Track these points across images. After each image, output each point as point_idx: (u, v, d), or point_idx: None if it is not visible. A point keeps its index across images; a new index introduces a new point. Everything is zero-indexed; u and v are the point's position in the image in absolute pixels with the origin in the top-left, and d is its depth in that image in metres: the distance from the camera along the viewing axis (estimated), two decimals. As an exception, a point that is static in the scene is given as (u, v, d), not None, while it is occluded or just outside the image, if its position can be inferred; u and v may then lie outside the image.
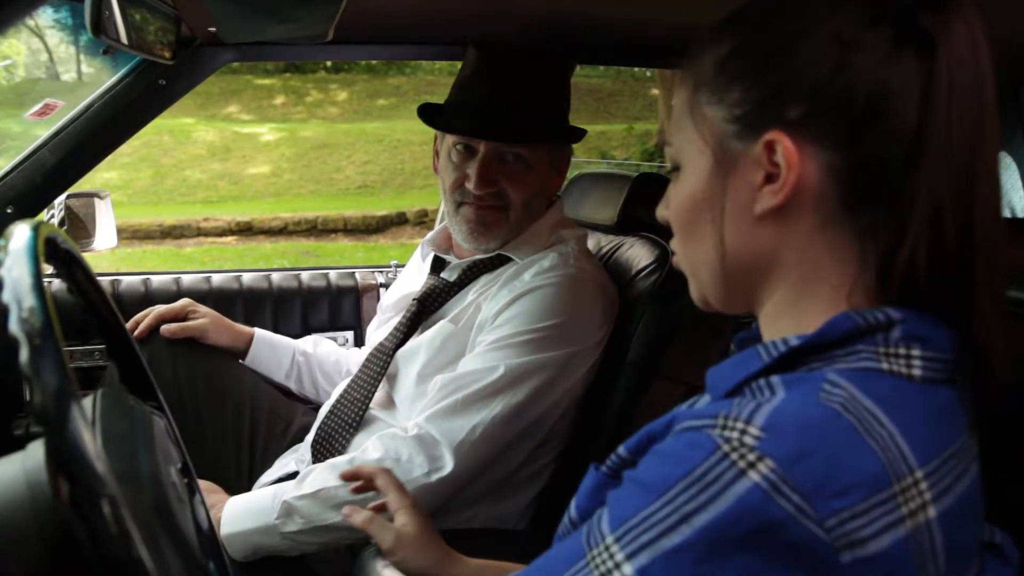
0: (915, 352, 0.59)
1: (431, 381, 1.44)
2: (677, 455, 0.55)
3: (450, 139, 1.51)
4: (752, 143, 0.63)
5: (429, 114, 1.55)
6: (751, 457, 0.52)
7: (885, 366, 0.58)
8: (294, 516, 1.31)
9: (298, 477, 1.36)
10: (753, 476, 0.52)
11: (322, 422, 1.56)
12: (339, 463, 1.34)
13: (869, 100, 0.59)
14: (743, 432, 0.53)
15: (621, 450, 0.66)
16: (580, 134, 1.57)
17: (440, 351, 1.46)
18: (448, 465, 1.31)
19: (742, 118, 0.64)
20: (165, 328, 1.67)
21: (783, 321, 0.66)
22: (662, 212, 0.74)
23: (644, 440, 0.64)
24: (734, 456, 0.52)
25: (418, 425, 1.34)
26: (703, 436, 0.54)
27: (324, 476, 1.33)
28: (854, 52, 0.60)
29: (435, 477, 1.31)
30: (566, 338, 1.39)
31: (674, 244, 0.73)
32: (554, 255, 1.47)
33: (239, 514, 1.34)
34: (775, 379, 0.59)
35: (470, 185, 1.47)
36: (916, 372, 0.59)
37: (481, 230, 1.51)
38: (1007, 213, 2.08)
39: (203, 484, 1.40)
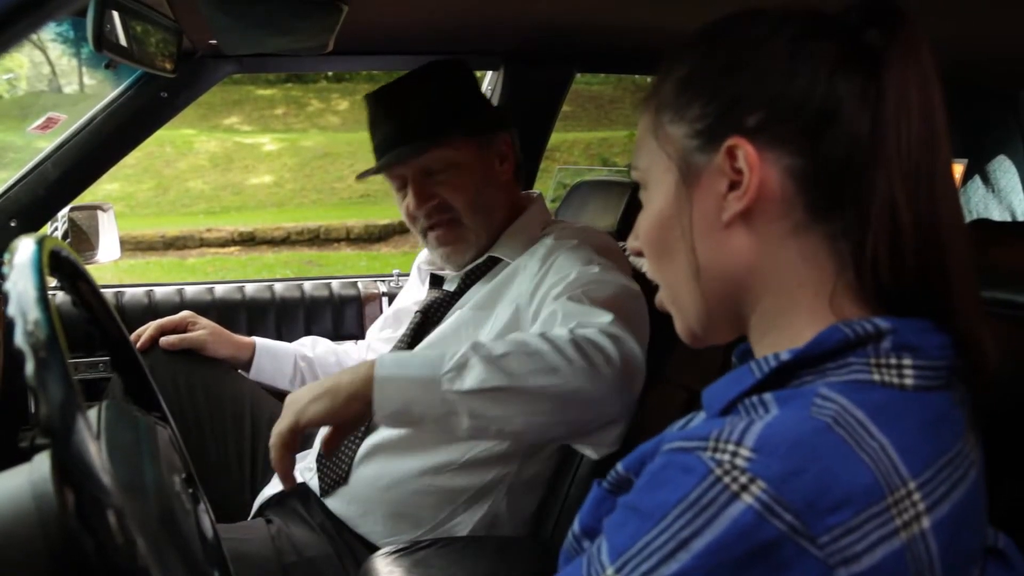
0: (906, 361, 0.59)
1: None
2: (670, 480, 0.55)
3: (391, 183, 1.57)
4: (714, 154, 0.66)
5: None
6: (743, 479, 0.52)
7: (877, 377, 0.59)
8: (466, 370, 1.07)
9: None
10: (746, 498, 0.52)
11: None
12: (528, 340, 1.12)
13: (822, 106, 0.62)
14: (734, 454, 0.54)
15: (619, 466, 0.67)
16: (498, 119, 1.59)
17: (453, 338, 1.45)
18: (606, 315, 1.17)
19: (703, 132, 0.66)
20: (165, 340, 1.68)
21: (772, 335, 0.67)
22: (633, 243, 0.75)
23: (637, 461, 0.65)
24: (726, 479, 0.53)
25: (592, 326, 1.16)
26: (695, 459, 0.55)
27: (515, 339, 1.12)
28: (803, 62, 0.63)
29: (614, 377, 1.10)
30: (616, 269, 1.35)
31: (651, 272, 0.74)
32: (567, 228, 1.48)
33: (402, 360, 1.11)
34: (768, 396, 0.59)
35: (412, 208, 1.51)
36: (908, 381, 0.59)
37: (449, 250, 1.54)
38: (1008, 216, 2.08)
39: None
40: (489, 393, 1.06)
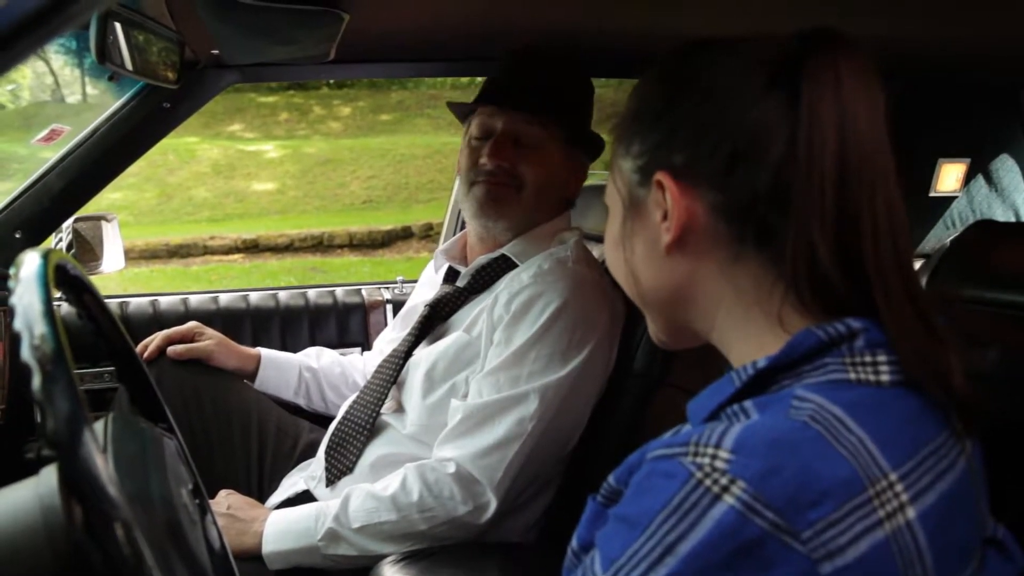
0: (881, 358, 0.60)
1: (439, 388, 1.46)
2: (654, 487, 0.56)
3: (472, 127, 1.58)
4: (650, 188, 0.69)
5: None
6: (723, 481, 0.53)
7: (853, 376, 0.60)
8: (340, 543, 1.34)
9: (340, 500, 1.37)
10: (727, 499, 0.52)
11: (336, 427, 1.57)
12: (381, 496, 1.35)
13: (737, 145, 0.64)
14: (714, 456, 0.54)
15: (611, 479, 0.68)
16: (597, 144, 1.61)
17: (454, 360, 1.47)
18: (492, 505, 1.33)
19: (642, 168, 0.70)
20: (172, 349, 1.68)
21: (739, 345, 0.69)
22: None
23: (626, 472, 0.66)
24: (707, 482, 0.53)
25: (455, 462, 1.35)
26: (676, 465, 0.56)
27: (367, 507, 1.34)
28: (727, 100, 0.65)
29: (483, 518, 1.33)
30: (578, 344, 1.40)
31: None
32: (552, 259, 1.49)
33: (281, 533, 1.37)
34: (748, 404, 0.60)
35: (483, 160, 1.52)
36: (884, 378, 0.60)
37: (491, 204, 1.53)
38: (1011, 216, 2.08)
39: (242, 499, 1.45)
40: (355, 557, 1.35)
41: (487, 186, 1.53)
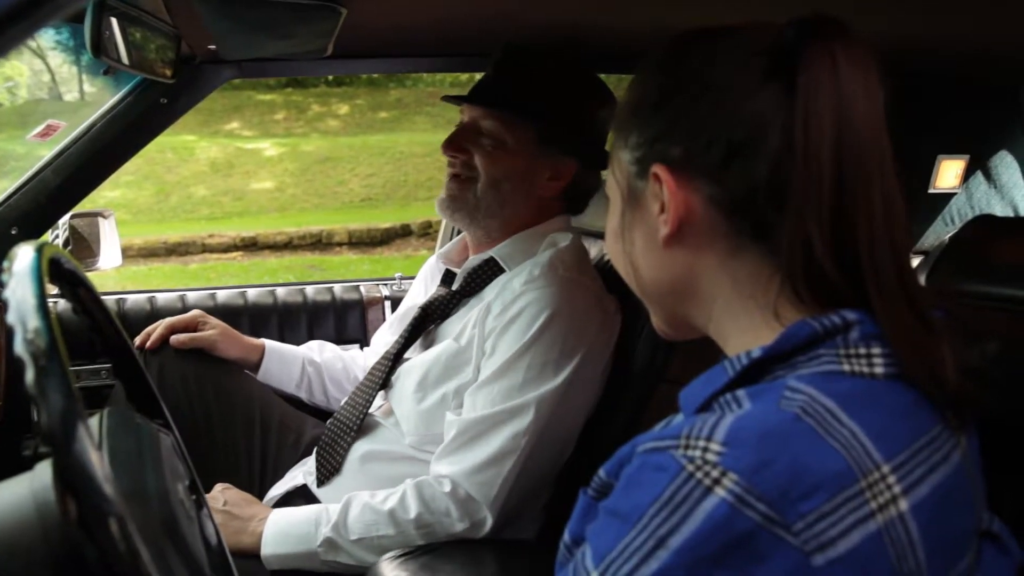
0: (875, 350, 0.60)
1: (432, 396, 1.45)
2: (645, 481, 0.56)
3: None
4: (648, 180, 0.69)
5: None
6: (715, 473, 0.53)
7: (847, 367, 0.60)
8: (338, 552, 1.36)
9: (340, 507, 1.37)
10: (719, 492, 0.52)
11: (326, 428, 1.57)
12: (380, 510, 1.35)
13: (733, 137, 0.64)
14: (705, 449, 0.54)
15: (601, 472, 0.68)
16: (575, 145, 1.52)
17: (445, 368, 1.46)
18: (488, 521, 1.34)
19: (640, 160, 0.70)
20: (175, 338, 1.67)
21: (735, 338, 0.69)
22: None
23: (616, 464, 0.65)
24: (699, 475, 0.53)
25: (451, 480, 1.35)
26: (667, 458, 0.55)
27: (365, 520, 1.35)
28: (724, 92, 0.64)
29: (480, 534, 1.35)
30: (569, 353, 1.38)
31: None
32: (544, 265, 1.45)
33: (281, 536, 1.37)
34: (741, 393, 0.60)
35: (443, 147, 1.52)
36: (878, 370, 0.60)
37: (448, 201, 1.53)
38: (1010, 212, 2.07)
39: (239, 495, 1.45)
40: (352, 566, 1.36)
41: (449, 181, 1.53)
